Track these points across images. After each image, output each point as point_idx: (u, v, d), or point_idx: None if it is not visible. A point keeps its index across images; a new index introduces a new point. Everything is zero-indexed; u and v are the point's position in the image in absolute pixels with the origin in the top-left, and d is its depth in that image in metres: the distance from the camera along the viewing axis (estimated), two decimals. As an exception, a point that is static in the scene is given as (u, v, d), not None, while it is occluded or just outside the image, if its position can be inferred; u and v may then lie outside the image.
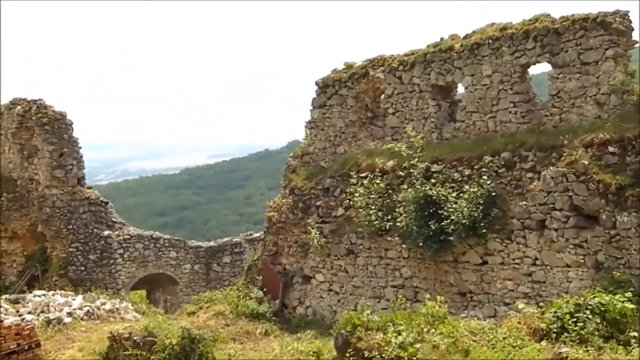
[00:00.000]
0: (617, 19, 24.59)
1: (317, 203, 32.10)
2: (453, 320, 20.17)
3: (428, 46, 30.10)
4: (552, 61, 25.93)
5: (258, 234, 42.49)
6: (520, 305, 21.74)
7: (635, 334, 19.12)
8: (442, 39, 29.94)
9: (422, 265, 27.97)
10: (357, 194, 29.29)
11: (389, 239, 28.73)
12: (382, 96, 31.54)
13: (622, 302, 20.03)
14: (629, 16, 24.73)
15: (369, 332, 20.06)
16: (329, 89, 33.22)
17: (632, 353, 17.99)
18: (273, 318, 31.49)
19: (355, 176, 29.68)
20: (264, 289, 33.04)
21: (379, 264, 29.49)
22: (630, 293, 20.49)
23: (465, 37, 28.94)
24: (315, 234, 31.22)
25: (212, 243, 44.92)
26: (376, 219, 28.65)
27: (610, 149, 23.28)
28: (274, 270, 33.42)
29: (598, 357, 17.92)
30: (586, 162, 23.45)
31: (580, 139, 24.14)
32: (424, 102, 29.71)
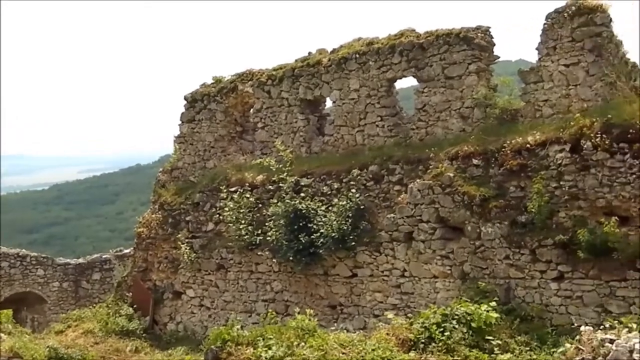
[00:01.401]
0: (479, 34, 25.20)
1: (187, 218, 31.86)
2: (323, 333, 20.28)
3: (296, 60, 30.27)
4: (417, 75, 26.40)
5: (128, 250, 41.87)
6: (389, 317, 21.95)
7: (499, 342, 19.60)
8: (310, 53, 30.17)
9: (292, 278, 28.02)
10: (227, 209, 29.16)
11: (259, 253, 28.71)
12: (251, 110, 31.56)
13: (487, 311, 20.50)
14: (490, 32, 25.38)
15: (239, 347, 20.01)
16: (198, 104, 33.06)
17: (495, 360, 18.44)
18: (143, 335, 31.04)
19: (225, 191, 29.56)
20: (134, 306, 32.53)
21: (250, 278, 29.42)
22: (494, 302, 20.99)
23: (333, 51, 29.22)
24: (186, 249, 30.95)
25: (81, 260, 44.01)
26: (246, 234, 28.59)
27: (475, 161, 23.79)
28: (144, 287, 33.00)
29: (463, 365, 18.31)
30: (451, 175, 23.89)
31: (446, 152, 24.60)
32: (292, 116, 29.84)
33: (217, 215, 30.49)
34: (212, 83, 33.21)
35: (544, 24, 23.46)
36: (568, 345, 16.22)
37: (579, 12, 22.68)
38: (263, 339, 19.93)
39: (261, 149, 30.82)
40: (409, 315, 23.33)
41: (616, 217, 20.54)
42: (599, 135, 21.01)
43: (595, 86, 22.48)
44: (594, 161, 21.16)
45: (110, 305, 33.08)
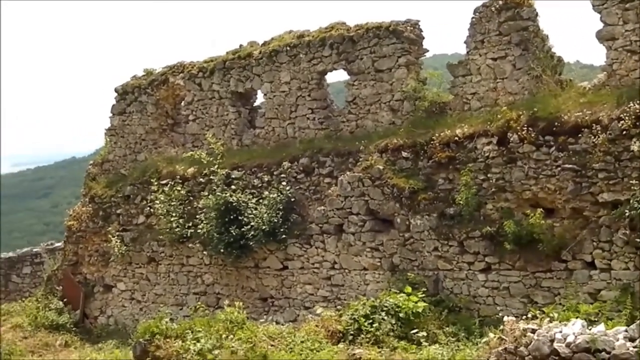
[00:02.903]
0: (409, 27, 25.32)
1: (118, 211, 31.61)
2: (252, 326, 20.29)
3: (227, 53, 30.15)
4: (347, 68, 26.45)
5: (59, 244, 41.35)
6: (319, 309, 22.08)
7: (427, 332, 19.81)
8: (241, 46, 30.05)
9: (223, 271, 27.98)
10: (157, 202, 28.97)
11: (190, 245, 28.61)
12: (182, 103, 31.36)
13: (415, 302, 20.71)
14: (419, 25, 25.53)
15: (168, 340, 19.91)
16: (129, 96, 32.75)
17: (422, 352, 18.59)
18: (73, 329, 30.74)
19: (156, 183, 29.33)
20: (64, 300, 32.16)
21: (181, 271, 29.32)
22: (423, 294, 21.21)
23: (264, 44, 29.15)
24: (116, 242, 30.69)
25: (10, 254, 43.33)
26: (177, 226, 28.45)
27: (404, 154, 23.93)
28: (74, 280, 32.68)
29: (390, 357, 18.43)
30: (381, 167, 24.01)
31: (376, 145, 24.70)
32: (223, 108, 29.74)
33: (148, 208, 30.29)
34: (143, 75, 32.94)
35: (472, 17, 23.64)
36: (492, 335, 16.40)
37: (506, 6, 22.89)
38: (192, 332, 19.87)
39: (192, 141, 30.67)
40: (339, 307, 23.40)
41: (542, 209, 20.82)
42: (526, 128, 21.28)
43: (521, 79, 22.74)
44: (520, 154, 21.43)
45: (39, 299, 32.61)
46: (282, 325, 21.82)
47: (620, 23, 21.09)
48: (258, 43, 29.57)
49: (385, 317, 20.11)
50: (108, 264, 31.76)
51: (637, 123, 19.36)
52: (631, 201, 19.17)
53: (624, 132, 19.52)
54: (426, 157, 23.41)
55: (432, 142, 23.18)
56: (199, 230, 27.66)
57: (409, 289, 21.23)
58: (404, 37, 25.18)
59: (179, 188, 28.79)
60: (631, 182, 19.27)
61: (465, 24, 23.87)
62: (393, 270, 23.70)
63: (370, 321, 20.00)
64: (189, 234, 28.37)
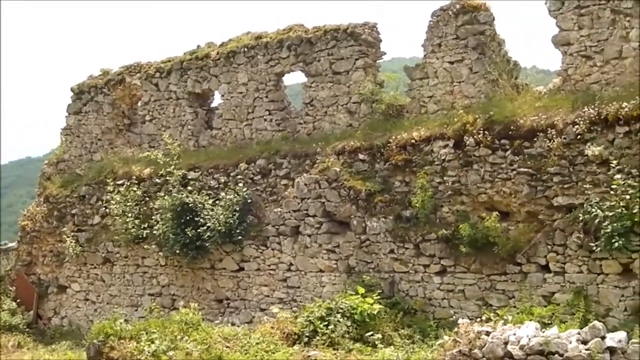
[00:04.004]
0: (367, 30, 25.40)
1: (73, 211, 31.37)
2: (207, 327, 20.27)
3: (185, 53, 30.08)
4: (305, 70, 26.47)
5: (13, 244, 41.01)
6: (275, 310, 22.10)
7: (383, 335, 19.87)
8: (198, 46, 30.00)
9: (179, 272, 27.86)
10: (113, 202, 28.77)
11: (146, 246, 28.44)
12: (139, 103, 31.21)
13: (371, 304, 20.78)
14: (377, 28, 25.61)
15: (122, 341, 19.87)
16: (85, 95, 32.54)
17: (377, 353, 18.67)
18: (27, 330, 30.49)
19: (111, 184, 29.12)
20: (18, 300, 31.91)
21: (136, 272, 29.15)
22: (378, 295, 21.28)
23: (222, 45, 29.11)
24: (71, 242, 30.43)
25: (-37, 254, 42.97)
26: (133, 227, 28.28)
27: (361, 156, 23.98)
28: (27, 281, 32.42)
29: (345, 358, 18.50)
30: (338, 169, 24.05)
31: (333, 147, 24.74)
32: (180, 109, 29.65)
33: (104, 209, 30.10)
34: (100, 75, 32.75)
35: (430, 21, 23.78)
36: (446, 337, 16.51)
37: (463, 10, 23.06)
38: (146, 333, 19.84)
39: (149, 142, 30.55)
40: (295, 309, 23.44)
41: (497, 212, 20.98)
42: (482, 131, 21.42)
43: (478, 83, 22.90)
44: (476, 157, 21.56)
45: (-8, 300, 32.37)
46: (238, 326, 21.81)
47: (575, 28, 21.31)
48: (215, 44, 29.52)
49: (341, 319, 20.16)
50: (62, 265, 31.53)
51: (592, 128, 19.58)
52: (585, 205, 19.37)
53: (579, 137, 19.73)
54: (383, 159, 23.48)
55: (389, 144, 23.26)
56: (154, 231, 27.52)
57: (361, 290, 21.28)
58: (361, 40, 25.26)
59: (135, 188, 28.63)
60: (585, 186, 19.48)
61: (422, 28, 23.99)
62: (349, 272, 23.73)
63: (326, 323, 20.06)
64: (144, 235, 28.19)
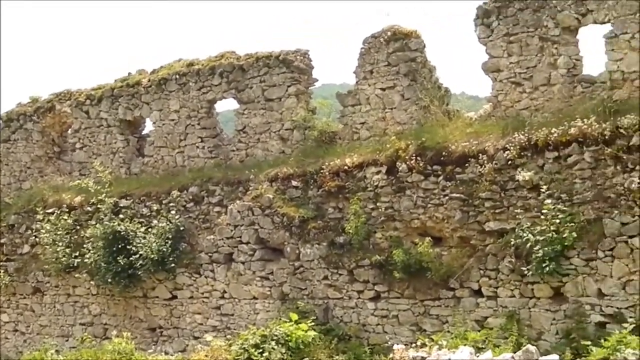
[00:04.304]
0: (298, 57, 25.45)
1: (2, 240, 30.82)
2: (140, 356, 20.15)
3: (116, 81, 29.82)
4: (237, 97, 26.43)
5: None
6: (209, 338, 21.95)
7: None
8: (129, 73, 29.78)
9: (111, 301, 27.54)
10: (43, 231, 28.35)
11: (77, 275, 28.00)
12: (69, 131, 30.89)
13: (305, 331, 20.73)
14: (309, 55, 25.70)
15: (53, 373, 19.59)
16: (14, 123, 32.06)
17: (312, 381, 18.65)
18: (-47, 362, 29.94)
19: (41, 212, 28.67)
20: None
21: (67, 301, 28.72)
22: (313, 322, 21.25)
23: (153, 72, 28.95)
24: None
25: None
26: (64, 256, 27.87)
27: (294, 182, 24.00)
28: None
29: (280, 386, 18.43)
30: (271, 196, 24.04)
31: (266, 173, 24.73)
32: (112, 136, 29.39)
33: (34, 238, 29.62)
34: (29, 102, 32.33)
35: (361, 48, 23.93)
36: (382, 363, 16.55)
37: (395, 38, 23.26)
38: (79, 364, 19.59)
39: (79, 170, 30.20)
40: (229, 337, 23.29)
41: (430, 238, 21.13)
42: (414, 157, 21.58)
43: (410, 109, 23.08)
44: (409, 183, 21.72)
45: None
46: (171, 355, 21.68)
47: (505, 55, 21.64)
48: (147, 71, 29.36)
49: (276, 347, 20.06)
50: (-9, 295, 30.95)
51: (522, 153, 19.86)
52: (516, 230, 19.62)
53: (509, 162, 20.01)
54: (316, 186, 23.53)
55: (321, 171, 23.32)
56: (86, 260, 27.18)
57: (294, 317, 21.22)
58: (293, 67, 25.32)
59: (66, 217, 28.27)
60: (516, 211, 19.74)
61: (353, 54, 24.16)
62: (283, 299, 23.69)
63: (260, 350, 19.93)
64: (75, 264, 27.80)
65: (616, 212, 18.52)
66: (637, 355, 14.18)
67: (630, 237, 18.32)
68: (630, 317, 17.75)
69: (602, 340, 16.24)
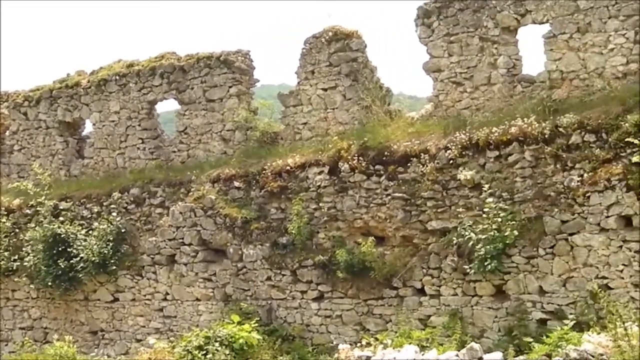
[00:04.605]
0: (240, 57, 25.42)
1: (-62, 245, 30.34)
2: (83, 360, 19.90)
3: (54, 82, 29.49)
4: (178, 98, 26.33)
5: None
6: (152, 341, 21.77)
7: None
8: (68, 74, 29.47)
9: (51, 305, 27.21)
10: (-20, 235, 28.01)
11: (16, 279, 27.60)
12: (7, 132, 30.44)
13: (249, 332, 20.67)
14: (250, 55, 25.67)
15: (-6, 378, 19.33)
16: (-50, 125, 31.61)
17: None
18: None
19: (-21, 215, 28.34)
20: None
21: (6, 305, 28.30)
22: (256, 323, 21.19)
23: (92, 73, 28.69)
24: None
25: None
26: (2, 259, 27.49)
27: (236, 183, 23.96)
28: None
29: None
30: (213, 197, 23.96)
31: (207, 174, 24.66)
32: (51, 138, 29.06)
33: (-29, 242, 29.20)
34: (-35, 104, 31.87)
35: (303, 48, 23.97)
36: (327, 363, 16.58)
37: (336, 38, 23.34)
38: (19, 369, 19.35)
39: (18, 172, 29.82)
40: (172, 338, 23.14)
41: (373, 237, 21.22)
42: (356, 157, 21.68)
43: (352, 110, 23.18)
44: (351, 183, 21.79)
45: None
46: (114, 358, 21.47)
47: (445, 55, 21.83)
48: (86, 72, 29.08)
49: (219, 348, 19.92)
50: None
51: (464, 152, 20.05)
52: (458, 228, 19.82)
53: (451, 161, 20.19)
54: (258, 186, 23.50)
55: (264, 171, 23.31)
56: (25, 263, 26.84)
57: (236, 318, 21.13)
58: (235, 67, 25.28)
59: (4, 220, 27.91)
60: (458, 210, 19.94)
61: (292, 55, 24.16)
62: (226, 300, 23.63)
63: (204, 352, 19.78)
64: (14, 267, 27.43)
65: (556, 210, 18.79)
66: (578, 351, 14.35)
67: (570, 234, 18.62)
68: (571, 313, 18.08)
69: (544, 337, 16.47)
